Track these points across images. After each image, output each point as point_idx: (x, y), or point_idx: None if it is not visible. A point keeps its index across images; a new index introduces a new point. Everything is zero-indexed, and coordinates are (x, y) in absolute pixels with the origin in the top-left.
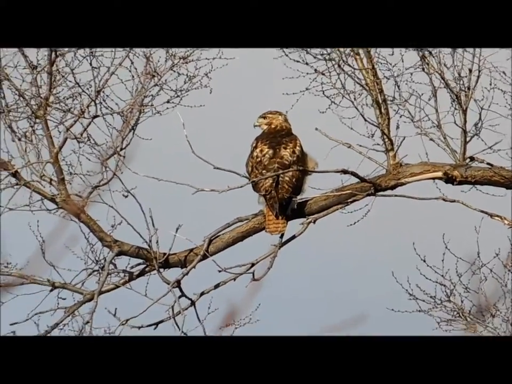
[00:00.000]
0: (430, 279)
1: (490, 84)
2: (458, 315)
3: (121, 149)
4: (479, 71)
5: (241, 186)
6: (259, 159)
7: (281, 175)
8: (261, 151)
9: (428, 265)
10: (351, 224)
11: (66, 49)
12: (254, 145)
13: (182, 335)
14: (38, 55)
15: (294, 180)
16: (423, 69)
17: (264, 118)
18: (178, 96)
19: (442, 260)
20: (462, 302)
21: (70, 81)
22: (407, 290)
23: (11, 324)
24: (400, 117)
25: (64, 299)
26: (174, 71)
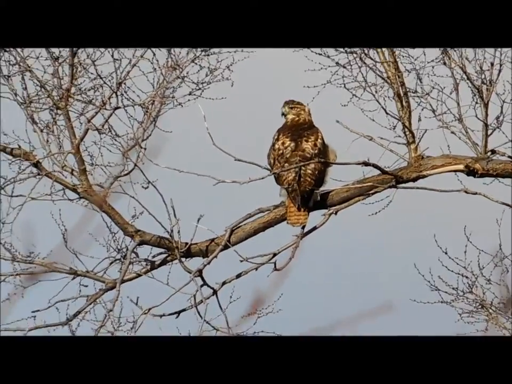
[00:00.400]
0: (452, 271)
1: None
2: (480, 306)
3: (143, 141)
4: (501, 65)
5: (262, 178)
6: (281, 151)
7: (304, 168)
8: (283, 143)
9: (449, 257)
10: (372, 214)
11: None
12: (276, 137)
13: (204, 323)
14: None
15: (316, 172)
16: (444, 63)
17: (292, 108)
18: (199, 88)
19: (465, 252)
20: (484, 293)
21: (92, 73)
22: (429, 281)
23: (33, 311)
24: (422, 109)
25: (86, 286)
26: (196, 64)
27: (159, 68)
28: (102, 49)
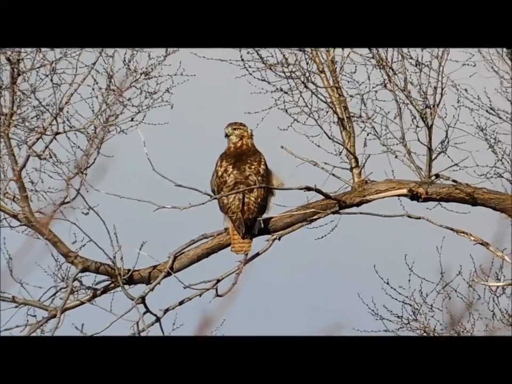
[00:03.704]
0: (396, 299)
1: (458, 102)
2: (424, 333)
3: (86, 168)
4: (442, 89)
5: (202, 204)
6: (223, 178)
7: (247, 196)
8: (226, 170)
9: (391, 287)
10: (317, 239)
11: (28, 66)
12: (218, 164)
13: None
14: (1, 74)
15: (259, 199)
16: (385, 86)
17: (235, 129)
18: (140, 112)
19: (409, 280)
20: (427, 320)
21: (31, 98)
22: (373, 310)
23: None
24: (367, 135)
25: (34, 316)
26: (136, 88)
27: (101, 93)
28: (43, 76)
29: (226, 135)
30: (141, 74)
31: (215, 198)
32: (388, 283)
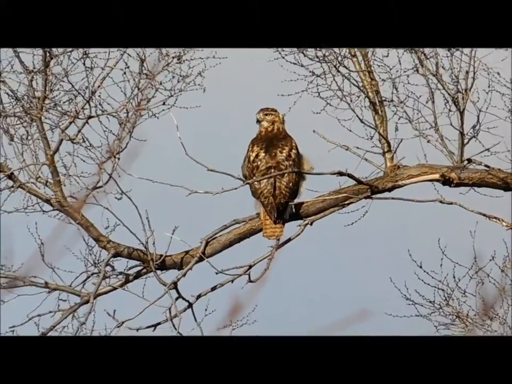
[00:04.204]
0: (428, 284)
1: (489, 86)
2: (456, 318)
3: (118, 153)
4: (474, 73)
5: (235, 189)
6: (255, 163)
7: (279, 180)
8: (257, 155)
9: (424, 271)
10: (348, 225)
11: (60, 50)
12: (250, 149)
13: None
14: (33, 58)
15: (290, 184)
16: (417, 70)
17: (267, 115)
18: (172, 95)
19: (441, 265)
20: (459, 305)
21: (64, 82)
22: (405, 295)
23: (10, 327)
24: (399, 119)
25: (65, 301)
26: (168, 72)
27: (133, 77)
28: (75, 60)
29: (258, 121)
30: (173, 58)
31: (248, 183)
32: (421, 266)
